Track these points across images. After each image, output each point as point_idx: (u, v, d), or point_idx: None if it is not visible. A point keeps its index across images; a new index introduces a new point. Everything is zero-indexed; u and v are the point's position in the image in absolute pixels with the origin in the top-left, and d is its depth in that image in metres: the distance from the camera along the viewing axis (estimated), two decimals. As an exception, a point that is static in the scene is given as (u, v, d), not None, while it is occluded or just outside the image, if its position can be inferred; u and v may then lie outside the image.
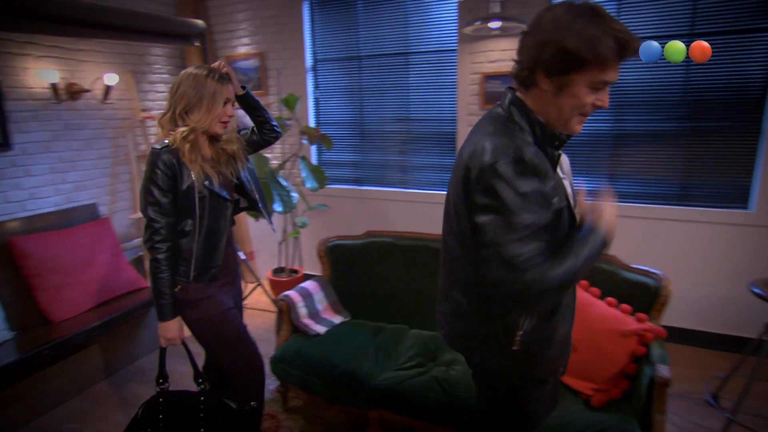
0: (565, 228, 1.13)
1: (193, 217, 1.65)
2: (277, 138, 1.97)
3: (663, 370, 1.66)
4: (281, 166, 3.56)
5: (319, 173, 3.51)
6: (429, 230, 3.05)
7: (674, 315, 2.75)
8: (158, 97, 3.90)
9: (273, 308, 3.61)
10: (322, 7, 3.74)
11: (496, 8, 2.80)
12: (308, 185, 3.45)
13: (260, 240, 4.20)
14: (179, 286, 1.69)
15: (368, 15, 3.60)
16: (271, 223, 2.03)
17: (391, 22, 3.53)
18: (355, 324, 2.53)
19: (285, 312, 2.41)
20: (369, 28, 3.62)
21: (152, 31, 2.86)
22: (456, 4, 3.25)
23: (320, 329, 2.41)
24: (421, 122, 3.61)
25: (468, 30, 2.89)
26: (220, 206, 1.72)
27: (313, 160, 4.00)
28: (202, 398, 1.76)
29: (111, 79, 3.29)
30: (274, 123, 1.95)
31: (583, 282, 2.11)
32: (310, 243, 3.93)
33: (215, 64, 1.71)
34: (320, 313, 2.53)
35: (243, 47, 3.99)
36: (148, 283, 3.31)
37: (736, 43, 2.66)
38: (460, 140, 3.42)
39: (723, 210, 2.83)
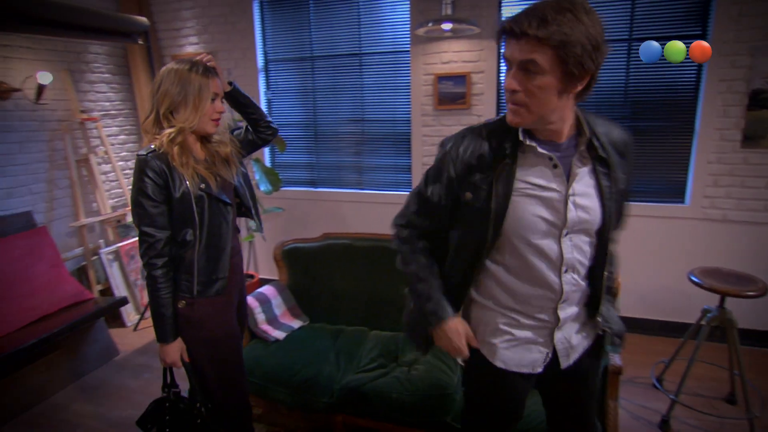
0: (477, 228, 1.13)
1: (192, 225, 1.50)
2: (274, 135, 1.83)
3: (616, 359, 1.75)
4: (234, 169, 3.46)
5: (273, 176, 3.44)
6: (386, 231, 3.05)
7: (620, 305, 2.88)
8: (99, 98, 3.70)
9: (228, 315, 3.50)
10: (273, 7, 3.67)
11: (447, 10, 2.84)
12: (262, 188, 3.37)
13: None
14: (183, 302, 1.54)
15: (320, 15, 3.57)
16: (261, 231, 1.88)
17: (344, 22, 3.51)
18: (314, 328, 2.49)
19: (242, 319, 2.34)
20: (321, 29, 3.58)
21: (92, 27, 2.71)
22: (408, 6, 3.28)
23: (279, 335, 2.35)
24: (375, 123, 3.61)
25: (420, 31, 2.92)
26: (221, 211, 1.56)
27: (267, 162, 3.92)
28: (198, 421, 1.64)
29: (44, 77, 3.08)
30: (270, 119, 1.80)
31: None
32: (265, 247, 3.84)
33: (198, 57, 1.55)
34: (278, 318, 2.47)
35: (191, 46, 3.84)
36: (93, 294, 3.13)
37: (670, 48, 2.84)
38: (415, 140, 3.45)
39: (662, 204, 3.01)
